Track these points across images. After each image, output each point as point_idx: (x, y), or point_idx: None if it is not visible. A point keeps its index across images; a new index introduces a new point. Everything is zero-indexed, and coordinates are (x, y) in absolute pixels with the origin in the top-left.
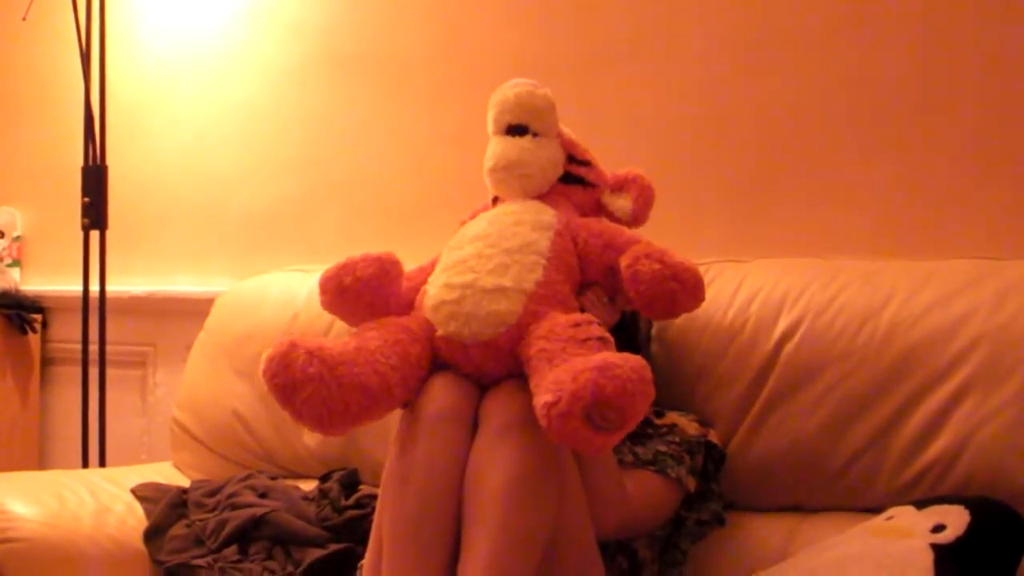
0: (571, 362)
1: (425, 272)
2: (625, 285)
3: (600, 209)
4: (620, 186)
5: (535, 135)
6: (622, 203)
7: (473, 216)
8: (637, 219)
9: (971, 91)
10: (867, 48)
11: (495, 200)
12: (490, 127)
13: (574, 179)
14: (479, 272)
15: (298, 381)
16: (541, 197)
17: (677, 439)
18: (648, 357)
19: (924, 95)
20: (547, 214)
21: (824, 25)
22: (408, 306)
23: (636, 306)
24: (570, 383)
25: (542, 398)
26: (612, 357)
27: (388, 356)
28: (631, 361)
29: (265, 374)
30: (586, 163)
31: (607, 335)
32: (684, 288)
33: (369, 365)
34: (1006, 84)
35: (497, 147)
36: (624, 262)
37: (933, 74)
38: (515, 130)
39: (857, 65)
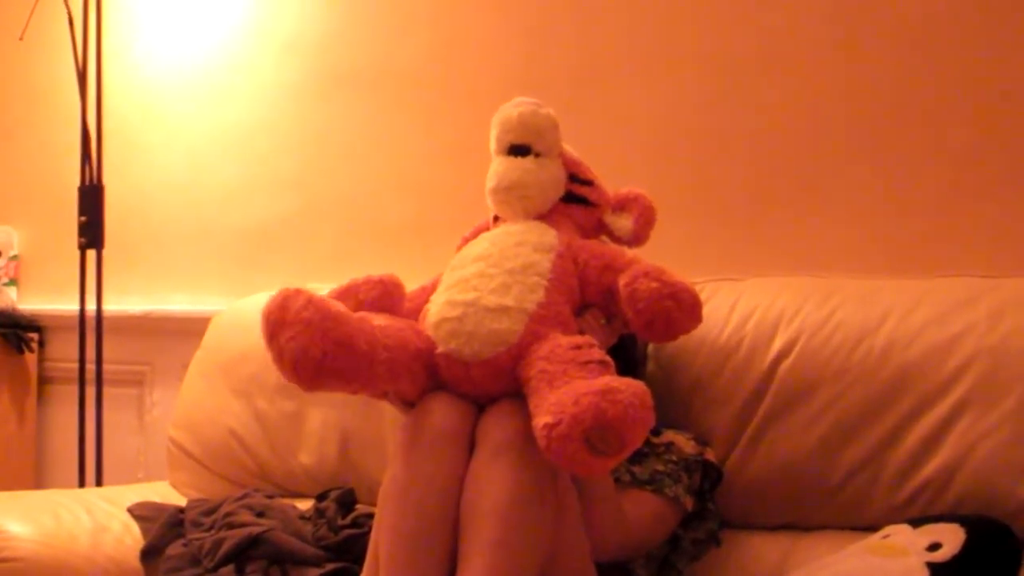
0: (572, 385)
1: (427, 292)
2: (623, 305)
3: (602, 228)
4: (622, 205)
5: (537, 155)
6: (623, 223)
7: (474, 232)
8: (638, 239)
9: (966, 110)
10: (861, 67)
11: (496, 218)
12: (492, 146)
13: (576, 198)
14: (481, 291)
15: (288, 321)
16: (542, 217)
17: (674, 458)
18: (644, 376)
19: (919, 114)
20: (549, 235)
21: (819, 44)
22: None
23: (634, 327)
24: (571, 406)
25: (542, 419)
26: (614, 382)
27: (386, 336)
28: (633, 386)
29: (263, 310)
30: (588, 182)
31: (607, 358)
32: (681, 307)
33: (363, 333)
34: (1001, 102)
35: (499, 167)
36: (622, 281)
37: (928, 92)
38: (517, 150)
39: (852, 84)
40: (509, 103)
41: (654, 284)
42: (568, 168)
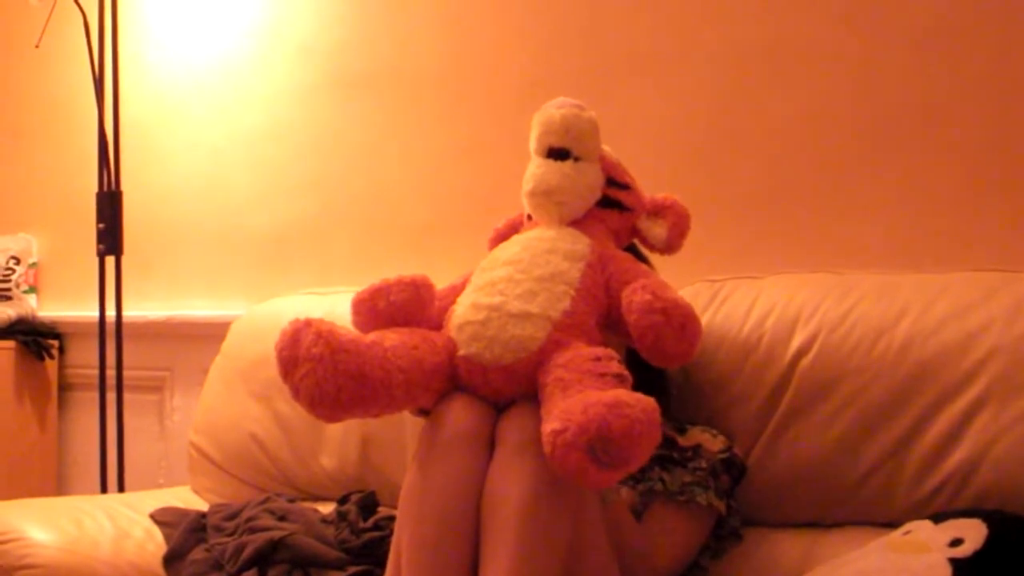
0: (584, 394)
1: (456, 291)
2: (624, 316)
3: (635, 233)
4: (656, 211)
5: (577, 160)
6: (657, 230)
7: (507, 225)
8: (671, 247)
9: (982, 103)
10: (876, 62)
11: (530, 216)
12: (532, 145)
13: (612, 202)
14: (507, 296)
15: (300, 358)
16: (577, 222)
17: (703, 464)
18: (665, 376)
19: (935, 108)
20: (582, 243)
21: (833, 39)
22: (439, 327)
23: (634, 339)
24: (579, 414)
25: (550, 425)
26: (625, 396)
27: (399, 357)
28: (643, 402)
29: (276, 346)
30: (625, 186)
31: (626, 373)
32: (669, 323)
33: (375, 359)
34: (1016, 95)
35: (538, 170)
36: (624, 291)
37: (943, 87)
38: (557, 153)
39: (867, 78)
40: (552, 103)
41: (648, 296)
42: (606, 171)
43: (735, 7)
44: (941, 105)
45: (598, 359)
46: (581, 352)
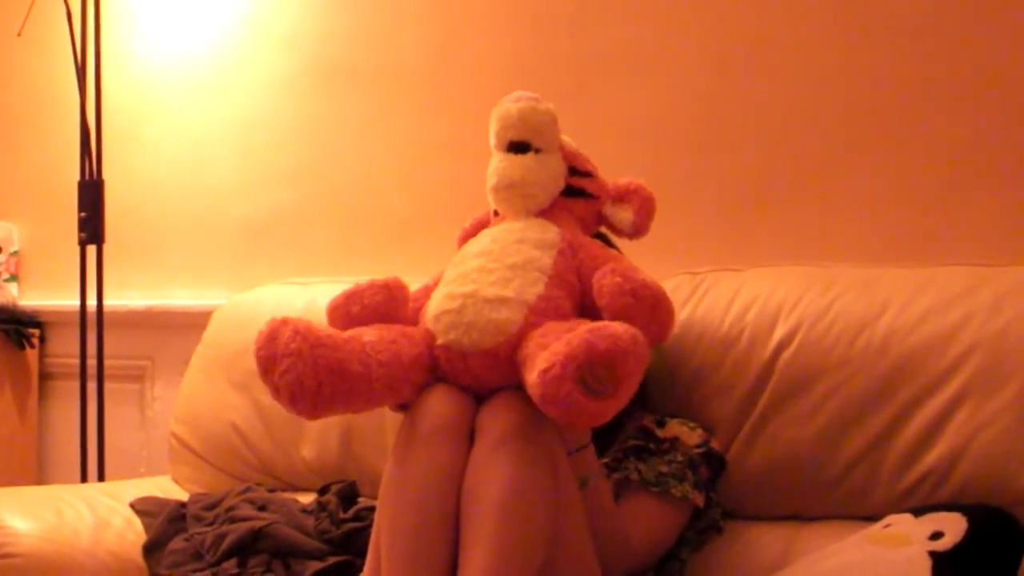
0: (564, 337)
1: (430, 290)
2: (595, 301)
3: (602, 220)
4: (621, 197)
5: (537, 151)
6: (624, 215)
7: (474, 225)
8: (639, 231)
9: (966, 98)
10: (861, 56)
11: (496, 212)
12: (492, 141)
13: (576, 191)
14: (481, 283)
15: (279, 355)
16: (543, 212)
17: (679, 457)
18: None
19: (919, 103)
20: (551, 232)
21: (818, 34)
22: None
23: None
24: (563, 347)
25: (537, 368)
26: (606, 323)
27: (379, 351)
28: (625, 325)
29: (254, 347)
30: (587, 174)
31: None
32: (640, 304)
33: (355, 354)
34: (1001, 90)
35: (499, 164)
36: (595, 276)
37: (928, 82)
38: (517, 147)
39: (851, 73)
40: (508, 97)
41: (617, 279)
42: (567, 161)
43: (719, 1)
44: (924, 100)
45: (572, 331)
46: (555, 323)
